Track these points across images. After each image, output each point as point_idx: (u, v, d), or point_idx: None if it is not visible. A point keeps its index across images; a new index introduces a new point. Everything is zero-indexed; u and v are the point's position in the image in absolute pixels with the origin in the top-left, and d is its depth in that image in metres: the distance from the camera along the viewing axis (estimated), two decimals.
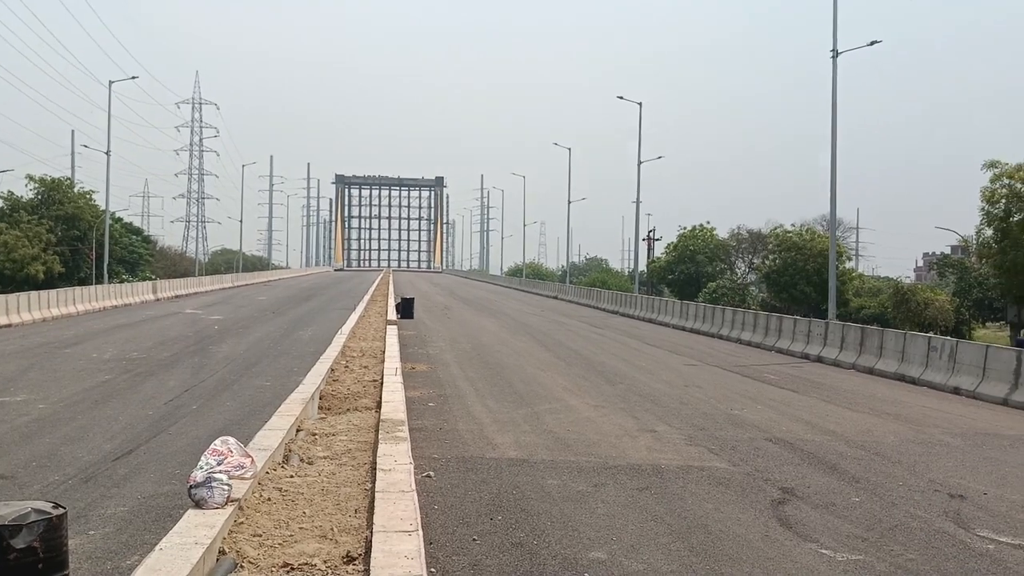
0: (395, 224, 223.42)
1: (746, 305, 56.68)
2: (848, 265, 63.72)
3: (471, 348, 26.63)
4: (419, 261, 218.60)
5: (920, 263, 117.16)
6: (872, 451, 13.17)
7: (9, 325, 31.78)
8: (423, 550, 6.02)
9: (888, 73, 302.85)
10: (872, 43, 33.10)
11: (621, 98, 57.42)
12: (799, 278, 56.00)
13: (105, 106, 54.20)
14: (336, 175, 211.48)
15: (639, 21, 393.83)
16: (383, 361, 18.89)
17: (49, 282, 52.87)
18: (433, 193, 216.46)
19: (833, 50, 32.29)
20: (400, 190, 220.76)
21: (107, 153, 53.58)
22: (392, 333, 25.68)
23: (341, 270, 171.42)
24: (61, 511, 5.19)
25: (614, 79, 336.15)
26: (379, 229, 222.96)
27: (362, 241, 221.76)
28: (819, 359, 27.11)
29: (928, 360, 22.30)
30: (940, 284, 59.35)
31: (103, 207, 57.90)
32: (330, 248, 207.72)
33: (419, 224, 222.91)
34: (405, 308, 38.88)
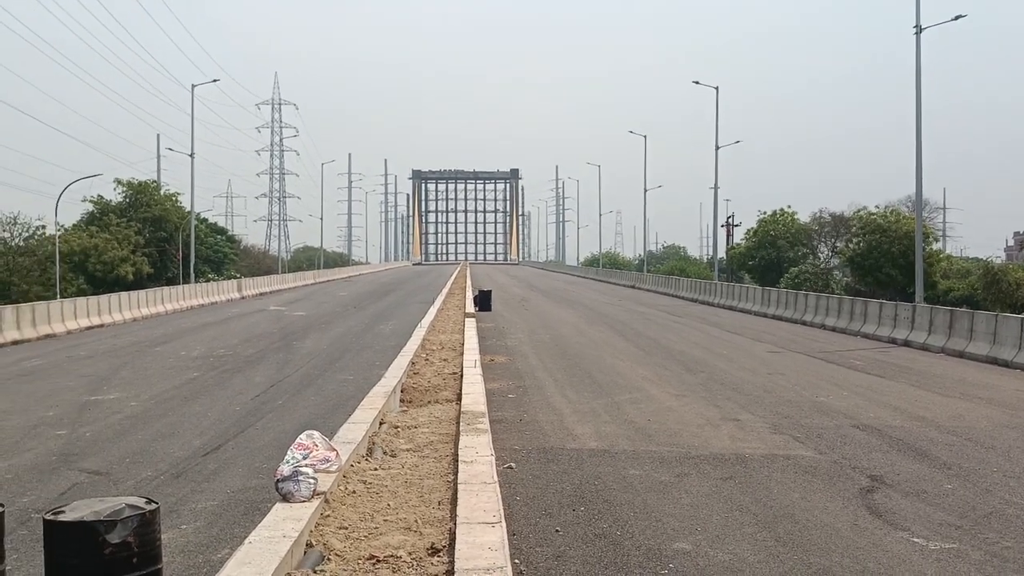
0: (471, 217, 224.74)
1: (830, 290, 55.46)
2: (935, 246, 61.90)
3: (549, 339, 26.62)
4: (495, 254, 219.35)
5: (1011, 242, 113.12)
6: (964, 437, 12.78)
7: (101, 325, 32.83)
8: (506, 541, 6.03)
9: (975, 48, 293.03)
10: (957, 17, 32.06)
11: (697, 83, 56.71)
12: (884, 261, 54.56)
13: (188, 109, 55.32)
14: (412, 170, 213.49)
15: (715, 4, 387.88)
16: (462, 354, 19.00)
17: (138, 283, 54.45)
18: (508, 185, 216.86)
19: (916, 26, 31.36)
20: (475, 183, 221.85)
21: (191, 155, 54.92)
22: (471, 326, 25.82)
23: (419, 264, 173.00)
24: (154, 506, 5.31)
25: (690, 64, 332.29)
26: (455, 223, 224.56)
27: (439, 235, 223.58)
28: (906, 343, 26.40)
29: (1022, 342, 21.54)
30: None
31: (189, 208, 59.37)
32: (408, 243, 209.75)
33: (495, 217, 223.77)
34: (483, 300, 39.06)
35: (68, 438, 12.53)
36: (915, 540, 7.99)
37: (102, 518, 5.06)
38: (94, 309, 33.41)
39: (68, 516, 5.12)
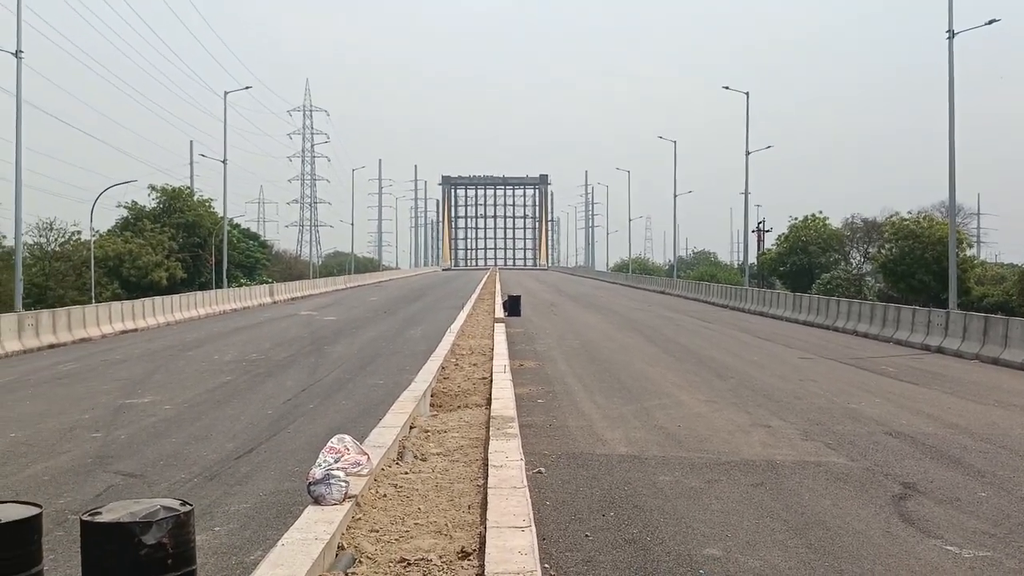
0: (500, 223, 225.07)
1: (862, 296, 54.99)
2: (969, 252, 61.08)
3: (579, 344, 26.60)
4: (524, 259, 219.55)
5: None
6: (998, 444, 12.63)
7: (136, 330, 33.21)
8: (536, 546, 6.05)
9: (1010, 51, 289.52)
10: (991, 22, 31.65)
11: (727, 88, 56.40)
12: (917, 267, 53.97)
13: (221, 116, 55.83)
14: (442, 176, 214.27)
15: (750, 8, 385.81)
16: (492, 358, 19.03)
17: (172, 287, 54.94)
18: (537, 191, 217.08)
19: (949, 30, 31.04)
20: (505, 189, 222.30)
21: (224, 161, 55.42)
22: (500, 331, 25.85)
23: (449, 269, 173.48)
24: (188, 508, 5.37)
25: (721, 68, 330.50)
26: (485, 228, 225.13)
27: (468, 240, 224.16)
28: (939, 350, 26.12)
29: None
30: None
31: (221, 214, 59.88)
32: (438, 248, 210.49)
33: (524, 222, 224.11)
34: (512, 306, 39.08)
35: (103, 440, 12.70)
36: (948, 548, 7.92)
37: (138, 519, 5.12)
38: (128, 313, 33.81)
39: (104, 517, 5.19)
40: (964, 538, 8.21)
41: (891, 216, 63.48)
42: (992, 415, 15.19)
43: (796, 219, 71.12)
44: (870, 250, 66.29)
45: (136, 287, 53.35)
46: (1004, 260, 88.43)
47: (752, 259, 68.33)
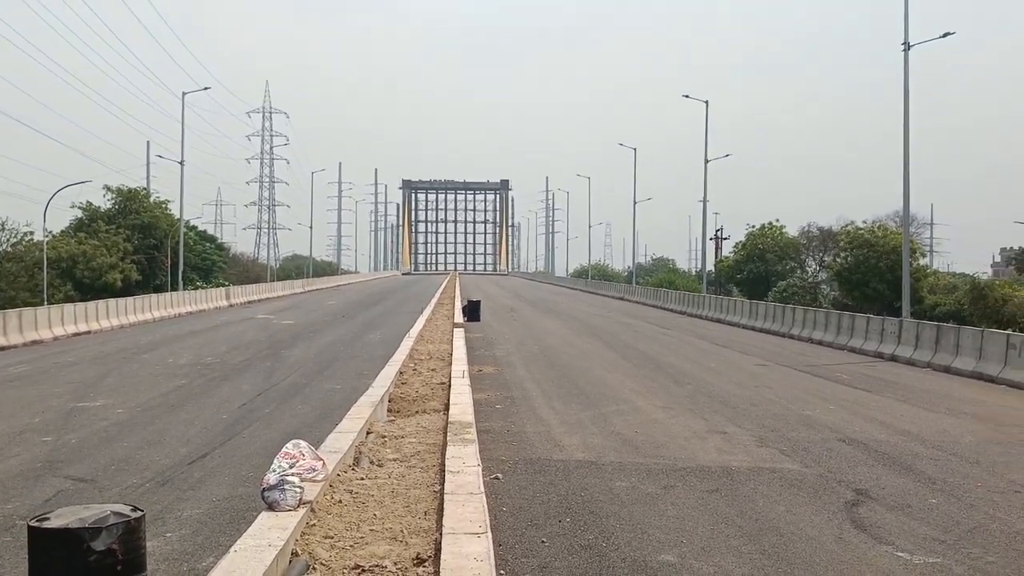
0: (461, 228, 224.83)
1: (817, 304, 55.65)
2: (922, 262, 62.23)
3: (538, 350, 26.64)
4: (485, 264, 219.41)
5: (997, 258, 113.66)
6: (949, 451, 12.84)
7: (89, 332, 32.71)
8: (492, 552, 6.04)
9: (963, 67, 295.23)
10: (945, 35, 32.24)
11: (687, 96, 56.94)
12: (872, 276, 54.84)
13: (178, 117, 55.18)
14: (403, 180, 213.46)
15: (708, 20, 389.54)
16: (451, 364, 19.00)
17: (126, 289, 54.18)
18: (498, 196, 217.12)
19: (904, 43, 31.59)
20: (466, 194, 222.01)
21: (181, 163, 54.79)
22: (459, 336, 25.82)
23: (409, 274, 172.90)
24: (139, 514, 5.30)
25: (682, 79, 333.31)
26: (446, 233, 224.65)
27: (429, 245, 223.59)
28: (893, 358, 26.52)
29: (1007, 358, 21.65)
30: (1019, 280, 57.59)
31: (178, 215, 59.24)
32: (398, 252, 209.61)
33: (485, 227, 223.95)
34: (472, 311, 39.07)
35: (54, 445, 12.48)
36: (899, 554, 8.03)
37: (87, 525, 5.05)
38: (81, 316, 33.28)
39: (53, 523, 5.10)
40: (915, 544, 8.33)
41: (846, 225, 64.53)
42: (943, 423, 15.44)
43: (753, 227, 72.04)
44: (825, 258, 67.27)
45: (90, 289, 52.58)
46: (956, 270, 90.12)
47: (710, 266, 68.93)
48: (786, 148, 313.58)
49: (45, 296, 43.75)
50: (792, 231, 72.43)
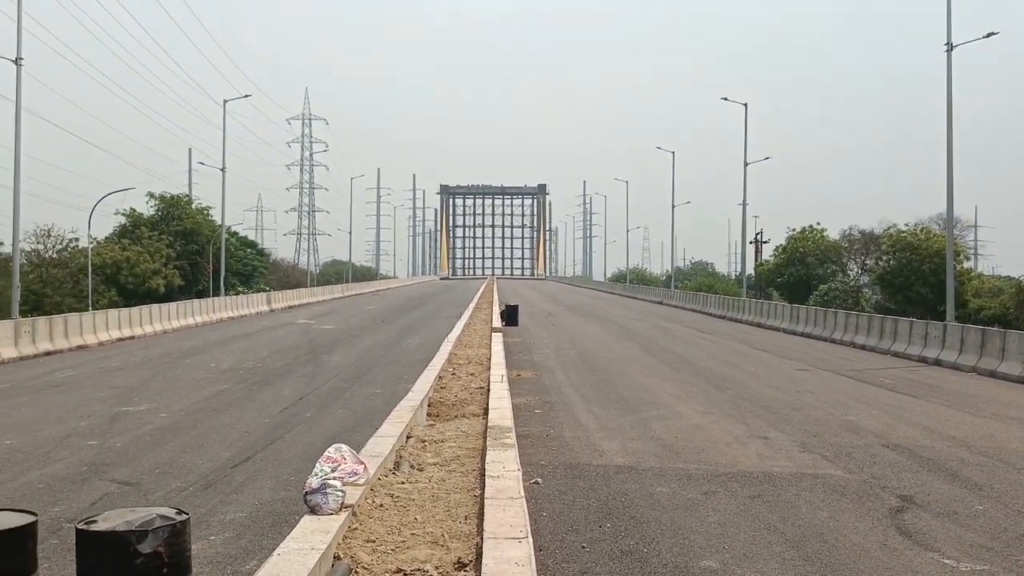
0: (498, 232, 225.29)
1: (859, 308, 54.99)
2: (966, 265, 61.20)
3: (576, 355, 26.59)
4: (522, 268, 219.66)
5: None
6: (996, 457, 12.62)
7: (132, 337, 33.17)
8: (533, 557, 6.03)
9: (1008, 64, 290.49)
10: (989, 35, 31.75)
11: (726, 99, 56.50)
12: (914, 279, 54.07)
13: (219, 124, 55.84)
14: (441, 186, 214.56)
15: (746, 20, 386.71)
16: (489, 368, 19.02)
17: (169, 295, 54.93)
18: (535, 201, 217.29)
19: (948, 43, 31.15)
20: (503, 199, 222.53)
21: (223, 170, 55.39)
22: (497, 340, 25.84)
23: (446, 279, 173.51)
24: (184, 517, 5.36)
25: (720, 80, 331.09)
26: (483, 238, 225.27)
27: (466, 250, 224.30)
28: (937, 362, 26.13)
29: None
30: None
31: (219, 222, 59.90)
32: (436, 257, 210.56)
33: (522, 232, 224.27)
34: (510, 315, 39.10)
35: (99, 448, 12.67)
36: (945, 561, 7.90)
37: (133, 528, 5.12)
38: (125, 321, 33.75)
39: (100, 526, 5.18)
40: (961, 551, 8.19)
41: (888, 228, 63.64)
42: (989, 427, 15.19)
43: (794, 230, 71.26)
44: (867, 262, 66.41)
45: (133, 294, 53.34)
46: (1001, 272, 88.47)
47: (750, 270, 68.30)
48: (829, 148, 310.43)
49: (90, 301, 44.44)
50: (833, 234, 71.64)
